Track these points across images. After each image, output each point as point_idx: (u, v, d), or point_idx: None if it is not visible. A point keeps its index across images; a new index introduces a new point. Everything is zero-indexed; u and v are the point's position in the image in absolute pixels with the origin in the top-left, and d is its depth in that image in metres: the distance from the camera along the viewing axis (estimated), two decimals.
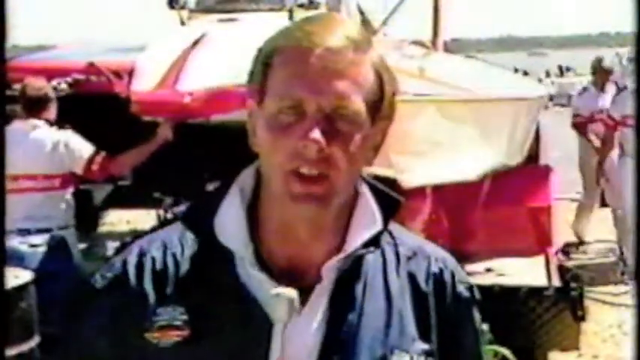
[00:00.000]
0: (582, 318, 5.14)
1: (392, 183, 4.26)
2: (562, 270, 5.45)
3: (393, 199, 1.38)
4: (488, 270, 5.30)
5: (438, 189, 5.22)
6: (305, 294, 1.27)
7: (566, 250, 7.90)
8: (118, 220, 9.18)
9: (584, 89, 9.15)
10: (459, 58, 7.55)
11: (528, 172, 5.84)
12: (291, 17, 5.98)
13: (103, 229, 7.93)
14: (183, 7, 6.68)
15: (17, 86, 5.13)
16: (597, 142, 8.28)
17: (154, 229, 1.43)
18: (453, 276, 1.40)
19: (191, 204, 1.39)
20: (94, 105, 5.27)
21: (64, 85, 5.20)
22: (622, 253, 8.08)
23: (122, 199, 6.66)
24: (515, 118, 5.64)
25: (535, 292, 5.07)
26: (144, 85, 5.03)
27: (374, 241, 1.34)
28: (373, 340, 1.31)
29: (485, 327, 4.51)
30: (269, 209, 1.33)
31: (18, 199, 4.90)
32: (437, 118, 5.13)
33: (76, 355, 1.38)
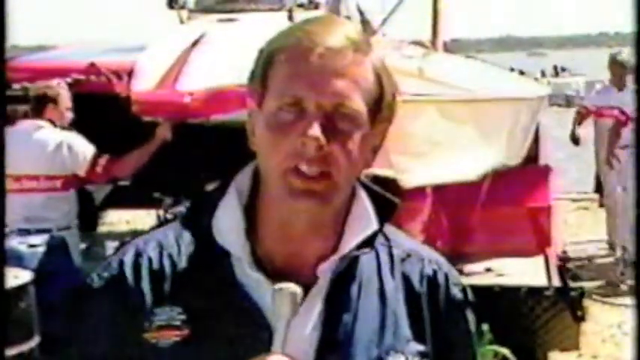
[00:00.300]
0: (582, 318, 5.14)
1: (392, 183, 4.26)
2: (562, 270, 5.46)
3: (388, 201, 1.39)
4: (488, 270, 5.30)
5: (438, 189, 5.22)
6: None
7: (566, 250, 7.91)
8: (118, 220, 9.19)
9: (604, 88, 8.55)
10: (459, 58, 7.54)
11: (528, 172, 5.84)
12: (290, 17, 5.98)
13: (103, 229, 7.93)
14: (182, 7, 6.68)
15: (17, 86, 5.13)
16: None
17: (153, 230, 1.42)
18: (446, 278, 1.41)
19: (189, 204, 1.39)
20: (94, 105, 5.27)
21: (57, 83, 5.20)
22: (613, 249, 8.08)
23: (122, 199, 6.67)
24: (515, 118, 5.64)
25: (535, 292, 5.08)
26: (144, 85, 5.03)
27: (369, 242, 1.35)
28: (368, 340, 1.31)
29: (485, 327, 4.55)
30: (266, 209, 1.33)
31: (19, 199, 4.90)
32: (437, 119, 5.13)
33: (75, 356, 1.38)
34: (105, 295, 1.34)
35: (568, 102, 26.82)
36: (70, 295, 1.35)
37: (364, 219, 1.35)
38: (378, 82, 1.30)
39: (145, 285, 1.32)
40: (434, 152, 5.08)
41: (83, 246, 5.76)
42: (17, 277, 4.31)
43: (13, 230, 4.91)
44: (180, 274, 1.33)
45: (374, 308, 1.33)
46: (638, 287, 4.99)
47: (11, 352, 4.09)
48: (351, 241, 1.33)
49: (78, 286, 1.42)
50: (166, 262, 1.33)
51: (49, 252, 5.01)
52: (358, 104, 1.27)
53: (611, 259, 8.11)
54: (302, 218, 1.29)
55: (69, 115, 5.25)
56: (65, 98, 5.18)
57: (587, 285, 6.14)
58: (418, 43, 6.56)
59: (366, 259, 1.36)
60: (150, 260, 1.34)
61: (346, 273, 1.33)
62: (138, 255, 1.35)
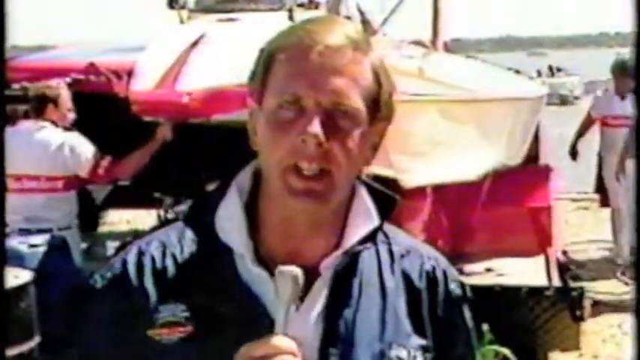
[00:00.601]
0: (582, 318, 5.14)
1: (392, 183, 4.26)
2: (562, 270, 5.45)
3: (388, 197, 1.41)
4: (489, 270, 5.30)
5: (438, 189, 5.22)
6: (303, 290, 1.28)
7: (566, 250, 7.90)
8: (118, 220, 9.19)
9: (607, 95, 8.37)
10: (459, 58, 7.54)
11: (528, 172, 5.84)
12: (290, 17, 5.98)
13: (103, 229, 7.93)
14: (182, 7, 6.68)
15: (17, 86, 5.13)
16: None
17: (154, 229, 1.43)
18: (444, 274, 1.43)
19: (192, 203, 1.40)
20: (94, 105, 5.27)
21: (60, 84, 5.20)
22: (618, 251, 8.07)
23: (122, 199, 6.67)
24: (515, 118, 5.64)
25: (535, 292, 5.08)
26: (143, 85, 5.02)
27: (370, 238, 1.37)
28: (371, 335, 1.33)
29: (485, 327, 4.54)
30: (267, 207, 1.34)
31: (20, 199, 4.90)
32: (437, 118, 5.13)
33: (78, 356, 1.39)
34: (108, 295, 1.35)
35: (563, 101, 26.91)
36: (73, 295, 1.35)
37: (365, 215, 1.37)
38: (376, 80, 1.32)
39: (149, 283, 1.33)
40: (434, 152, 5.08)
41: (84, 246, 5.76)
42: (17, 277, 4.30)
43: (14, 230, 4.91)
44: (184, 271, 1.34)
45: (375, 303, 1.35)
46: (639, 287, 4.98)
47: (11, 352, 4.08)
48: (353, 237, 1.35)
49: (81, 287, 1.43)
50: (169, 261, 1.35)
51: (49, 252, 5.01)
52: (357, 102, 1.28)
53: (611, 260, 8.11)
54: (302, 217, 1.31)
55: (70, 116, 5.25)
56: (66, 99, 5.18)
57: (587, 285, 6.13)
58: (418, 43, 6.56)
59: (367, 256, 1.37)
60: (153, 259, 1.35)
61: (348, 269, 1.35)
62: (140, 254, 1.36)
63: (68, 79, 5.20)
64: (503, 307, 4.94)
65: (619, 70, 8.09)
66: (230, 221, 1.34)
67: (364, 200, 1.38)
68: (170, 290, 1.32)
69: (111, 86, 5.11)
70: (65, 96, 5.18)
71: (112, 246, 6.18)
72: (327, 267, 1.33)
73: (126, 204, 7.40)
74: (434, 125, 5.09)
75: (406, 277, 1.39)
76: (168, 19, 6.58)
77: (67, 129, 5.22)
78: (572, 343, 5.22)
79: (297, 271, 1.25)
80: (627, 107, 7.61)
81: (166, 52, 5.33)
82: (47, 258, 4.98)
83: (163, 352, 1.30)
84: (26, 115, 5.22)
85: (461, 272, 4.96)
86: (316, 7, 6.60)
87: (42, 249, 5.00)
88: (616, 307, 6.89)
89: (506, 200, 5.60)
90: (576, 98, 28.29)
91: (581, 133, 8.48)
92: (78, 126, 5.28)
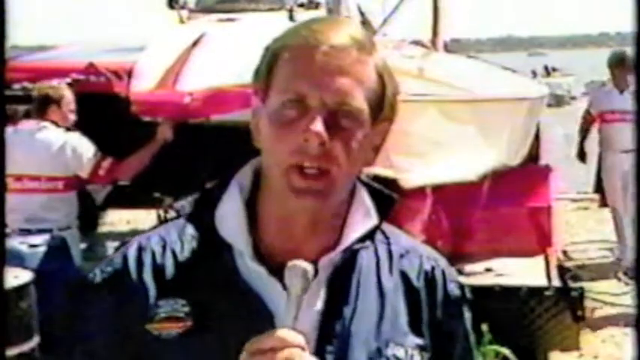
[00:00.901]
0: (582, 318, 5.14)
1: (392, 183, 4.26)
2: (562, 270, 5.46)
3: (387, 197, 1.41)
4: (489, 270, 5.30)
5: (438, 189, 5.22)
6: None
7: (566, 250, 7.90)
8: (118, 220, 9.19)
9: (606, 90, 8.20)
10: (459, 58, 7.54)
11: (528, 172, 5.84)
12: (291, 17, 5.99)
13: (103, 229, 7.92)
14: (182, 7, 6.68)
15: (17, 86, 5.13)
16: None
17: (154, 229, 1.44)
18: (443, 274, 1.43)
19: (192, 199, 1.40)
20: (94, 105, 5.27)
21: (63, 85, 5.20)
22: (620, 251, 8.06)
23: (122, 199, 6.66)
24: (515, 118, 5.64)
25: (535, 292, 5.08)
26: (143, 85, 5.03)
27: (369, 237, 1.38)
28: (367, 333, 1.34)
29: (485, 327, 4.55)
30: (268, 205, 1.35)
31: (21, 199, 4.90)
32: (437, 119, 5.13)
33: (79, 350, 1.38)
34: (108, 289, 1.36)
35: (559, 102, 26.95)
36: (72, 290, 1.34)
37: (364, 214, 1.37)
38: (380, 81, 1.32)
39: (149, 278, 1.34)
40: (434, 152, 5.08)
41: (84, 246, 5.76)
42: (18, 277, 4.30)
43: (14, 230, 4.91)
44: (183, 267, 1.34)
45: (373, 302, 1.36)
46: (639, 287, 4.98)
47: (11, 352, 4.09)
48: (351, 235, 1.35)
49: (80, 282, 1.42)
50: (169, 256, 1.35)
51: (49, 252, 5.01)
52: (360, 102, 1.29)
53: (611, 259, 8.11)
54: (302, 215, 1.31)
55: (72, 117, 5.25)
56: (69, 100, 5.18)
57: (587, 285, 6.13)
58: (419, 43, 6.56)
59: (366, 256, 1.38)
60: (153, 254, 1.36)
61: (347, 267, 1.36)
62: (141, 249, 1.36)
63: (68, 80, 5.20)
64: (504, 307, 4.94)
65: (616, 63, 7.96)
66: (230, 218, 1.35)
67: (363, 199, 1.38)
68: (170, 285, 1.33)
69: (111, 86, 5.11)
70: (68, 97, 5.18)
71: (112, 246, 6.19)
72: (326, 265, 1.33)
73: (126, 204, 7.38)
74: (434, 125, 5.09)
75: (405, 277, 1.40)
76: (169, 19, 6.58)
77: (68, 129, 5.22)
78: (572, 343, 5.22)
79: (307, 265, 1.25)
80: (625, 101, 7.53)
81: (166, 52, 5.33)
82: (47, 258, 4.98)
83: (163, 347, 1.30)
84: (27, 115, 5.23)
85: (461, 272, 4.96)
86: (316, 7, 6.60)
87: (42, 249, 5.00)
88: (616, 307, 6.89)
89: (506, 200, 5.60)
90: (572, 98, 28.32)
91: (584, 134, 8.37)
92: (78, 126, 5.28)
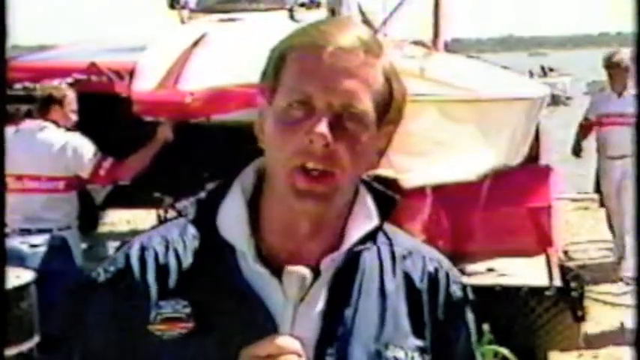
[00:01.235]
0: (582, 318, 5.14)
1: (392, 183, 4.26)
2: (563, 270, 5.45)
3: (389, 198, 1.41)
4: (490, 270, 5.30)
5: (439, 189, 5.22)
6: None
7: (567, 249, 7.90)
8: (118, 220, 9.19)
9: (604, 94, 8.05)
10: (460, 58, 7.53)
11: (528, 172, 5.84)
12: (291, 17, 5.99)
13: (103, 229, 7.93)
14: (183, 7, 6.68)
15: (18, 86, 5.14)
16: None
17: (154, 228, 1.44)
18: (447, 276, 1.43)
19: (194, 199, 1.40)
20: (95, 105, 5.27)
21: (64, 86, 5.20)
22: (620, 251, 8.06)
23: (122, 199, 6.66)
24: (516, 118, 5.64)
25: (536, 292, 5.07)
26: (145, 85, 5.03)
27: (370, 237, 1.37)
28: (368, 335, 1.33)
29: (485, 327, 4.55)
30: (270, 206, 1.35)
31: (21, 199, 4.91)
32: (437, 118, 5.13)
33: (80, 350, 1.38)
34: (111, 288, 1.35)
35: (555, 102, 26.92)
36: (75, 289, 1.33)
37: (366, 215, 1.37)
38: (387, 84, 1.32)
39: (151, 278, 1.33)
40: (434, 152, 5.08)
41: (84, 246, 5.76)
42: (19, 277, 4.31)
43: (14, 230, 4.91)
44: (186, 268, 1.34)
45: (374, 304, 1.35)
46: (639, 287, 4.98)
47: (11, 352, 4.09)
48: (353, 237, 1.35)
49: (83, 281, 1.42)
50: (172, 257, 1.35)
51: (50, 252, 5.02)
52: (367, 105, 1.28)
53: (611, 259, 8.10)
54: (305, 217, 1.31)
55: (73, 117, 5.25)
56: (71, 100, 5.19)
57: (587, 285, 6.13)
58: (419, 43, 6.55)
59: (368, 257, 1.38)
60: (156, 254, 1.35)
61: (348, 268, 1.35)
62: (143, 249, 1.36)
63: (70, 79, 5.21)
64: (504, 307, 4.94)
65: (611, 64, 7.82)
66: (232, 219, 1.34)
67: (366, 201, 1.38)
68: (172, 286, 1.33)
69: (112, 86, 5.11)
70: (71, 97, 5.19)
71: (112, 246, 6.20)
72: (328, 266, 1.33)
73: (126, 204, 7.39)
74: (434, 125, 5.09)
75: (407, 278, 1.39)
76: (169, 19, 6.58)
77: (69, 129, 5.22)
78: (572, 343, 5.22)
79: (305, 271, 1.26)
80: (622, 104, 7.46)
81: (167, 52, 5.33)
82: (48, 258, 4.98)
83: (164, 348, 1.30)
84: (28, 115, 5.23)
85: (462, 272, 4.94)
86: (317, 7, 6.59)
87: (43, 249, 5.01)
88: (616, 307, 6.89)
89: (506, 200, 5.59)
90: (568, 98, 28.32)
91: (583, 135, 8.30)
92: (79, 126, 5.29)
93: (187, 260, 1.35)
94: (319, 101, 1.26)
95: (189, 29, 6.07)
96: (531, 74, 28.96)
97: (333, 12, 6.21)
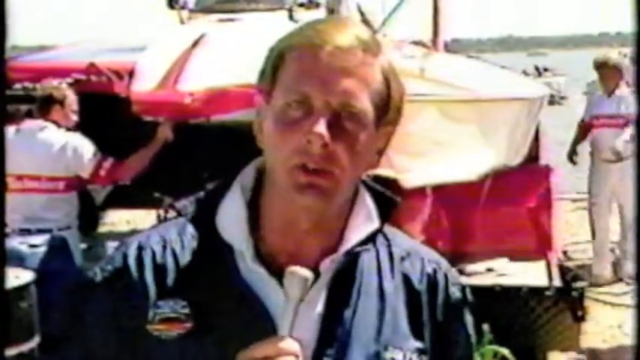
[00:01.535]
0: (582, 318, 5.14)
1: (392, 183, 4.26)
2: (563, 270, 5.45)
3: (389, 199, 1.40)
4: (489, 270, 5.30)
5: (438, 189, 5.22)
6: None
7: (566, 250, 7.89)
8: (118, 220, 9.19)
9: (597, 97, 8.07)
10: (460, 58, 7.53)
11: (528, 172, 5.84)
12: (291, 17, 5.99)
13: (103, 229, 7.92)
14: (183, 7, 6.68)
15: (18, 86, 5.14)
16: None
17: (153, 228, 1.43)
18: (446, 277, 1.43)
19: (193, 199, 1.40)
20: (95, 105, 5.27)
21: (64, 86, 5.20)
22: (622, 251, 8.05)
23: (122, 199, 6.66)
24: (516, 119, 5.63)
25: (536, 292, 5.07)
26: (144, 85, 5.03)
27: (370, 240, 1.37)
28: (367, 336, 1.33)
29: (485, 327, 4.55)
30: (270, 206, 1.35)
31: (21, 199, 4.91)
32: (437, 118, 5.13)
33: (78, 350, 1.38)
34: (109, 288, 1.35)
35: (550, 101, 26.89)
36: (73, 289, 1.33)
37: (366, 217, 1.37)
38: (385, 84, 1.31)
39: (149, 278, 1.33)
40: (434, 152, 5.08)
41: (84, 246, 5.76)
42: (18, 277, 4.31)
43: (14, 230, 4.91)
44: (184, 267, 1.34)
45: (373, 305, 1.35)
46: (639, 287, 4.98)
47: (11, 352, 4.08)
48: (353, 238, 1.34)
49: (81, 281, 1.41)
50: (170, 256, 1.34)
51: (49, 252, 5.02)
52: (365, 104, 1.28)
53: (612, 259, 8.09)
54: (305, 215, 1.30)
55: (74, 118, 5.26)
56: (72, 100, 5.19)
57: (587, 285, 6.12)
58: (419, 43, 6.55)
59: (367, 258, 1.37)
60: (153, 254, 1.35)
61: (347, 270, 1.35)
62: (141, 249, 1.36)
63: (69, 80, 5.21)
64: (504, 307, 4.94)
65: (600, 65, 7.82)
66: (232, 219, 1.34)
67: (366, 202, 1.37)
68: (170, 286, 1.32)
69: (112, 86, 5.11)
70: (71, 97, 5.19)
71: (111, 246, 6.17)
72: (327, 268, 1.33)
73: (126, 204, 7.39)
74: (434, 125, 5.09)
75: (406, 280, 1.39)
76: (169, 19, 6.58)
77: (69, 130, 5.22)
78: (572, 343, 5.22)
79: (307, 273, 1.26)
80: (611, 105, 7.50)
81: (167, 53, 5.33)
82: (47, 258, 4.98)
83: (163, 348, 1.30)
84: (28, 115, 5.23)
85: (462, 272, 4.96)
86: (316, 7, 6.59)
87: (42, 249, 5.00)
88: (616, 307, 6.89)
89: (506, 200, 5.59)
90: (562, 98, 28.31)
91: (580, 139, 8.22)
92: (79, 126, 5.29)
93: (185, 260, 1.34)
94: (317, 101, 1.26)
95: (188, 29, 6.07)
96: (526, 74, 29.02)
97: (332, 12, 6.20)
